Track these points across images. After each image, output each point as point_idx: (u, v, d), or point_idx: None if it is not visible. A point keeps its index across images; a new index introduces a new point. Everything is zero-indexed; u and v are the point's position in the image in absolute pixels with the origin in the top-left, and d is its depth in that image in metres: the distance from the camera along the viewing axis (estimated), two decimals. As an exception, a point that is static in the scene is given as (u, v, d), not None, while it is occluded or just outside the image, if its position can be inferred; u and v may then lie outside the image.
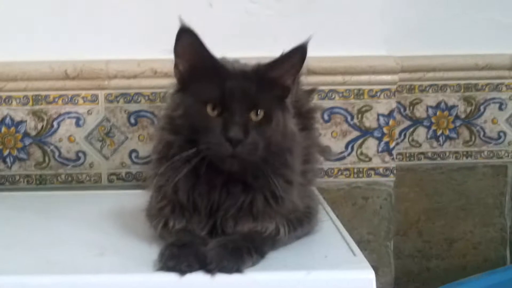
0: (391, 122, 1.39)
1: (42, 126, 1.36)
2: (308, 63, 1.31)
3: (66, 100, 1.35)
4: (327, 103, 1.38)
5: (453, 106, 1.48)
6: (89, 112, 1.36)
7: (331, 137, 1.39)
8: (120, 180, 1.38)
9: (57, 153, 1.37)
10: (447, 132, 1.49)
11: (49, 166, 1.37)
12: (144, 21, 1.35)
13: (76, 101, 1.35)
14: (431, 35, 1.46)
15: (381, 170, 1.41)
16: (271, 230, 0.91)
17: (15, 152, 1.36)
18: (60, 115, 1.36)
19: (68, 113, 1.36)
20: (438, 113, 1.48)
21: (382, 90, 1.38)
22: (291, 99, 0.95)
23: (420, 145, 1.48)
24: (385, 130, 1.39)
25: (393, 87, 1.38)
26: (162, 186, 0.92)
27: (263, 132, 0.88)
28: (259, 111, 0.88)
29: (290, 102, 0.94)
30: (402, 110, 1.46)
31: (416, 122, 1.48)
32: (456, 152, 1.49)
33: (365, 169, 1.41)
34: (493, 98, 1.48)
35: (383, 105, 1.39)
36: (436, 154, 1.49)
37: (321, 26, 1.36)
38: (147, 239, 0.96)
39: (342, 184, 1.41)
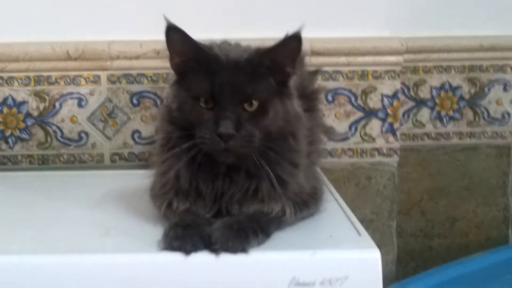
0: (395, 103, 1.39)
1: (44, 107, 1.35)
2: (312, 44, 1.33)
3: (68, 81, 1.35)
4: (331, 84, 1.37)
5: (457, 87, 1.47)
6: (91, 93, 1.35)
7: (334, 118, 1.39)
8: (122, 160, 1.38)
9: (59, 134, 1.37)
10: (451, 113, 1.48)
11: (51, 147, 1.37)
12: (146, 1, 1.34)
13: (78, 82, 1.35)
14: (435, 16, 1.45)
15: (384, 150, 1.41)
16: (277, 211, 0.91)
17: (17, 133, 1.36)
18: (62, 95, 1.35)
19: (70, 93, 1.35)
20: (442, 94, 1.47)
21: (386, 71, 1.37)
22: (295, 81, 0.94)
23: (424, 125, 1.48)
24: (389, 111, 1.39)
25: (398, 68, 1.37)
26: (164, 173, 0.92)
27: (259, 122, 0.87)
28: (252, 102, 0.87)
29: (293, 85, 0.93)
30: (406, 91, 1.45)
31: (420, 103, 1.47)
32: (460, 133, 1.49)
33: (368, 150, 1.41)
34: (498, 79, 1.48)
35: (387, 86, 1.38)
36: (440, 134, 1.49)
37: (325, 7, 1.36)
38: (151, 219, 0.96)
39: (346, 165, 1.41)
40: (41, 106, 1.35)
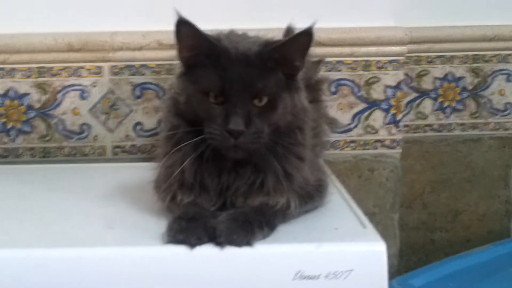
0: (398, 94, 1.38)
1: (46, 99, 1.35)
2: (316, 34, 1.31)
3: (70, 72, 1.34)
4: (334, 75, 1.37)
5: (460, 78, 1.46)
6: (93, 85, 1.35)
7: (337, 109, 1.38)
8: (124, 152, 1.38)
9: (61, 126, 1.36)
10: (453, 104, 1.48)
11: (53, 139, 1.36)
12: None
13: (80, 73, 1.34)
14: (439, 6, 1.44)
15: (387, 142, 1.40)
16: (282, 204, 0.91)
17: (19, 125, 1.35)
18: (64, 87, 1.34)
19: (72, 85, 1.34)
20: (445, 84, 1.46)
21: (390, 62, 1.36)
22: (302, 75, 0.94)
23: (427, 117, 1.48)
24: (392, 102, 1.38)
25: (401, 59, 1.36)
26: (169, 167, 0.92)
27: (268, 118, 0.87)
28: (262, 97, 0.87)
29: (301, 77, 0.93)
30: (408, 81, 1.45)
31: (423, 94, 1.47)
32: (463, 124, 1.49)
33: (371, 141, 1.40)
34: (501, 70, 1.47)
35: (390, 77, 1.37)
36: (442, 126, 1.48)
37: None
38: (154, 212, 0.96)
39: (348, 156, 1.40)
40: (43, 98, 1.35)
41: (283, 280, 0.82)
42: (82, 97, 1.35)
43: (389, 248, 1.39)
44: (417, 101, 1.47)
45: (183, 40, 0.89)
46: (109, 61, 1.33)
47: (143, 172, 1.01)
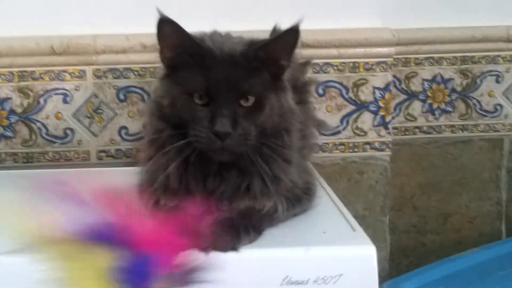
0: (387, 95, 1.37)
1: (28, 103, 1.32)
2: (302, 36, 1.29)
3: (53, 76, 1.32)
4: (321, 77, 1.35)
5: (449, 79, 1.46)
6: (76, 88, 1.32)
7: (325, 111, 1.37)
8: (109, 157, 1.36)
9: (44, 131, 1.34)
10: (443, 106, 1.47)
11: (36, 144, 1.34)
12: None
13: (63, 77, 1.32)
14: (427, 7, 1.43)
15: (376, 144, 1.39)
16: (269, 208, 0.89)
17: (0, 130, 1.33)
18: (46, 91, 1.32)
19: (55, 89, 1.32)
20: (434, 86, 1.45)
21: (378, 63, 1.35)
22: (288, 74, 0.92)
23: (416, 119, 1.47)
24: (381, 103, 1.37)
25: (389, 60, 1.35)
26: (153, 172, 0.89)
27: (255, 119, 0.85)
28: (249, 97, 0.85)
29: (287, 77, 0.91)
30: (397, 83, 1.44)
31: (412, 95, 1.45)
32: (452, 126, 1.48)
33: (360, 144, 1.39)
34: (490, 71, 1.46)
35: (379, 78, 1.36)
36: (431, 128, 1.47)
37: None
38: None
39: (337, 159, 1.39)
40: (25, 103, 1.32)
41: (271, 285, 0.80)
42: (65, 101, 1.33)
43: (379, 251, 1.38)
44: (406, 103, 1.46)
45: (166, 40, 0.87)
46: (92, 64, 1.31)
47: (129, 177, 0.98)
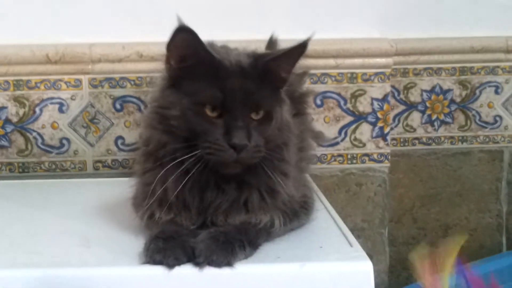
0: (385, 106, 1.36)
1: (24, 112, 1.32)
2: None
3: (49, 85, 1.31)
4: (319, 87, 1.35)
5: (448, 90, 1.45)
6: (72, 98, 1.32)
7: (323, 122, 1.36)
8: (106, 167, 1.35)
9: (40, 140, 1.33)
10: (442, 117, 1.46)
11: (32, 154, 1.33)
12: (128, 2, 1.30)
13: (59, 86, 1.31)
14: (425, 17, 1.43)
15: (375, 156, 1.38)
16: (265, 222, 0.88)
17: (-4, 140, 1.32)
18: (42, 100, 1.31)
19: (51, 98, 1.32)
20: (433, 97, 1.44)
21: (376, 74, 1.35)
22: (285, 87, 0.92)
23: (415, 130, 1.45)
24: (379, 114, 1.36)
25: (388, 71, 1.35)
26: (149, 184, 0.88)
27: (264, 131, 0.85)
28: (260, 110, 0.85)
29: (284, 90, 0.91)
30: (396, 94, 1.43)
31: (411, 106, 1.44)
32: (451, 137, 1.47)
33: (359, 155, 1.38)
34: (489, 82, 1.45)
35: (377, 89, 1.35)
36: (431, 139, 1.46)
37: (313, 7, 1.33)
38: (133, 229, 0.93)
39: (335, 171, 1.38)
40: (21, 112, 1.31)
41: (266, 301, 0.79)
42: (61, 111, 1.32)
43: (379, 264, 1.39)
44: (405, 114, 1.45)
45: (179, 49, 0.85)
46: (88, 73, 1.31)
47: (125, 188, 0.98)
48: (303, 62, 1.26)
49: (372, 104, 1.36)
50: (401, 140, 1.46)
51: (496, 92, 1.46)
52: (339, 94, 1.35)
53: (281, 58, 0.86)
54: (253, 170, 0.85)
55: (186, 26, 0.83)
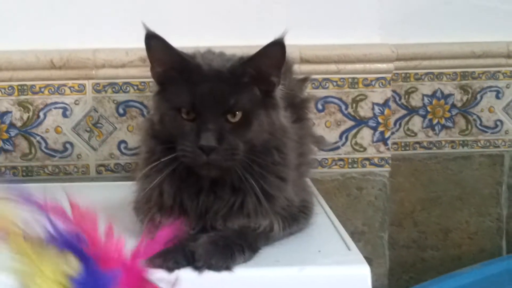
0: (386, 111, 1.36)
1: (28, 117, 1.33)
2: (301, 51, 1.32)
3: (53, 90, 1.32)
4: (321, 92, 1.35)
5: (449, 95, 1.45)
6: (76, 102, 1.33)
7: (325, 127, 1.37)
8: (108, 171, 1.36)
9: (43, 144, 1.34)
10: (443, 121, 1.46)
11: (35, 158, 1.34)
12: (132, 8, 1.32)
13: (62, 91, 1.32)
14: (426, 23, 1.43)
15: (376, 160, 1.38)
16: (264, 227, 0.88)
17: (0, 144, 1.33)
18: (46, 105, 1.33)
19: (55, 103, 1.33)
20: (434, 101, 1.45)
21: (377, 79, 1.35)
22: (282, 92, 0.91)
23: (416, 134, 1.46)
24: (380, 119, 1.37)
25: (389, 76, 1.35)
26: (147, 189, 0.89)
27: (243, 134, 0.85)
28: (236, 113, 0.84)
29: (279, 95, 0.91)
30: (397, 99, 1.44)
31: (412, 111, 1.45)
32: (452, 142, 1.47)
33: (359, 159, 1.38)
34: (490, 87, 1.46)
35: (378, 94, 1.36)
36: (431, 143, 1.47)
37: (315, 13, 1.34)
38: (134, 233, 0.93)
39: (336, 175, 1.39)
40: (25, 116, 1.33)
41: (265, 304, 0.80)
42: (65, 115, 1.33)
43: (379, 267, 1.40)
44: (406, 118, 1.45)
45: (154, 55, 0.87)
46: (91, 78, 1.31)
47: (127, 192, 0.98)
48: (305, 68, 1.29)
49: (373, 109, 1.36)
50: (402, 144, 1.46)
51: (497, 97, 1.47)
52: (340, 99, 1.36)
53: (257, 59, 0.85)
54: (244, 174, 0.85)
55: (152, 32, 0.85)
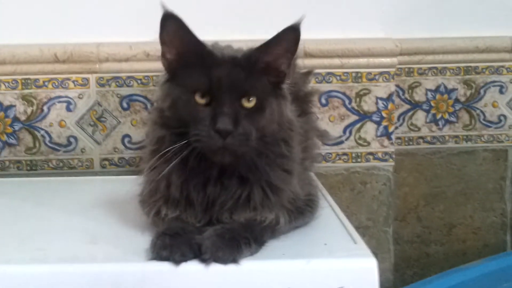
0: (390, 105, 1.36)
1: (32, 111, 1.33)
2: (305, 45, 1.32)
3: (57, 84, 1.32)
4: (324, 87, 1.35)
5: (452, 90, 1.45)
6: (80, 96, 1.33)
7: (328, 121, 1.37)
8: (113, 165, 1.36)
9: (47, 138, 1.34)
10: (446, 116, 1.46)
11: (39, 152, 1.34)
12: (135, 2, 1.32)
13: (66, 85, 1.32)
14: (430, 17, 1.43)
15: (379, 154, 1.38)
16: (270, 220, 0.88)
17: (4, 138, 1.33)
18: (50, 99, 1.33)
19: (59, 97, 1.33)
20: (437, 96, 1.45)
21: (381, 73, 1.35)
22: (288, 84, 0.91)
23: (419, 129, 1.46)
24: (384, 114, 1.37)
25: (392, 70, 1.35)
26: (154, 181, 0.89)
27: (256, 120, 0.84)
28: (250, 98, 0.84)
29: (287, 88, 0.91)
30: (401, 93, 1.43)
31: (415, 105, 1.45)
32: (456, 136, 1.47)
33: (363, 154, 1.38)
34: (494, 81, 1.46)
35: (381, 89, 1.36)
36: (435, 138, 1.47)
37: (319, 8, 1.34)
38: (140, 226, 0.94)
39: (340, 169, 1.39)
40: (29, 110, 1.33)
41: (271, 297, 0.79)
42: (69, 109, 1.33)
43: (383, 262, 1.40)
44: (410, 113, 1.45)
45: (168, 37, 0.85)
46: (95, 72, 1.31)
47: (131, 185, 0.98)
48: (308, 62, 1.29)
49: (376, 103, 1.36)
50: (406, 139, 1.46)
51: (501, 92, 1.46)
52: (344, 93, 1.36)
53: (271, 46, 0.85)
54: (252, 165, 0.85)
55: (172, 12, 0.83)
